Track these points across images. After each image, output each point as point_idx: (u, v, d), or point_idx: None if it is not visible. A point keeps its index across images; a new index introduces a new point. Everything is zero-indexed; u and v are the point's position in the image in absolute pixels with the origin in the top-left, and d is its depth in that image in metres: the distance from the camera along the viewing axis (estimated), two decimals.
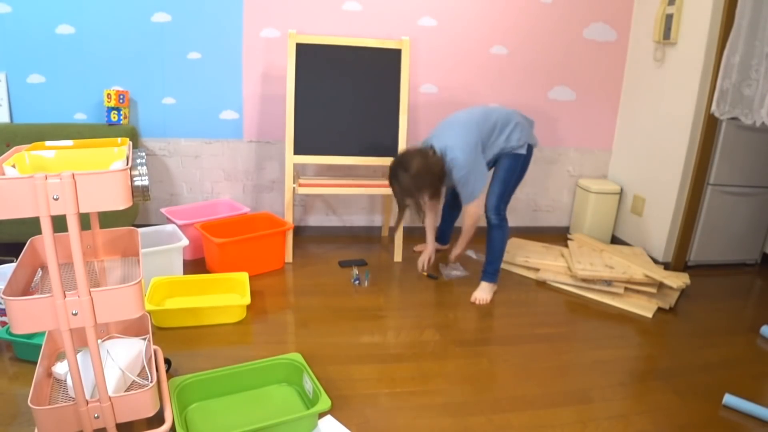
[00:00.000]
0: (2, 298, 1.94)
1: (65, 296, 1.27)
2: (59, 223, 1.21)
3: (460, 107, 3.31)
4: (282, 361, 1.89)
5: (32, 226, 1.36)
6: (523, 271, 3.03)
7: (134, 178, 1.33)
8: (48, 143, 1.56)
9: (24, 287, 1.46)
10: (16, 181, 1.16)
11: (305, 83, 2.92)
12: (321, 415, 1.73)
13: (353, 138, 3.00)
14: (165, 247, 2.56)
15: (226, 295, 2.53)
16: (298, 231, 3.45)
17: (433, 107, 3.37)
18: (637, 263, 2.88)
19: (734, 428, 1.80)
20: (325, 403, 1.67)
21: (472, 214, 2.62)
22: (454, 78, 3.35)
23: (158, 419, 1.55)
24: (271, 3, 3.06)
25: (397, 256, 3.12)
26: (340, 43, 2.94)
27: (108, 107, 2.92)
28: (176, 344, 2.13)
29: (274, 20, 3.09)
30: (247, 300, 2.35)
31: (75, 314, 1.29)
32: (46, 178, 1.17)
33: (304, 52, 2.90)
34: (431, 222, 2.90)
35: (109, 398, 1.40)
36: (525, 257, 3.08)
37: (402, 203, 2.56)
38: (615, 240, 3.59)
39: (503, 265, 2.98)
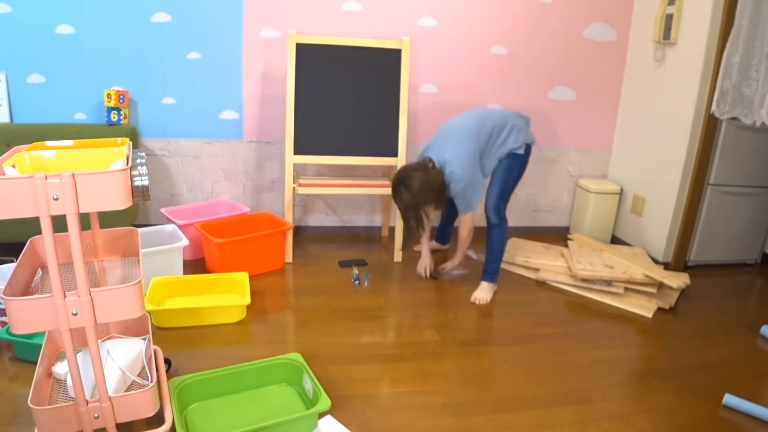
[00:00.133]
0: (2, 298, 1.94)
1: (65, 296, 1.27)
2: (59, 223, 1.21)
3: (460, 107, 3.33)
4: (282, 361, 1.89)
5: (32, 226, 1.36)
6: (523, 271, 3.03)
7: (134, 178, 1.33)
8: (48, 143, 1.56)
9: (24, 287, 1.46)
10: (16, 181, 1.16)
11: (305, 83, 2.92)
12: (321, 415, 1.73)
13: (353, 138, 3.00)
14: (165, 247, 2.56)
15: (226, 295, 2.53)
16: (298, 231, 3.45)
17: (433, 107, 3.37)
18: (637, 263, 2.88)
19: (734, 428, 1.80)
20: (325, 403, 1.67)
21: (469, 224, 2.66)
22: (454, 78, 3.35)
23: (158, 419, 1.55)
24: (271, 3, 3.06)
25: (397, 256, 3.12)
26: (340, 43, 2.94)
27: (108, 107, 2.92)
28: (176, 344, 2.13)
29: (274, 20, 3.09)
30: (247, 300, 2.35)
31: (75, 314, 1.29)
32: (46, 178, 1.17)
33: (304, 52, 2.90)
34: (426, 229, 2.91)
35: (109, 398, 1.40)
36: (525, 257, 3.08)
37: (406, 218, 2.59)
38: (615, 240, 3.59)
39: (503, 265, 2.99)
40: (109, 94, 2.91)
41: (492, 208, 2.64)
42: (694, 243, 3.16)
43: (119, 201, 1.25)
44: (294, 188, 2.94)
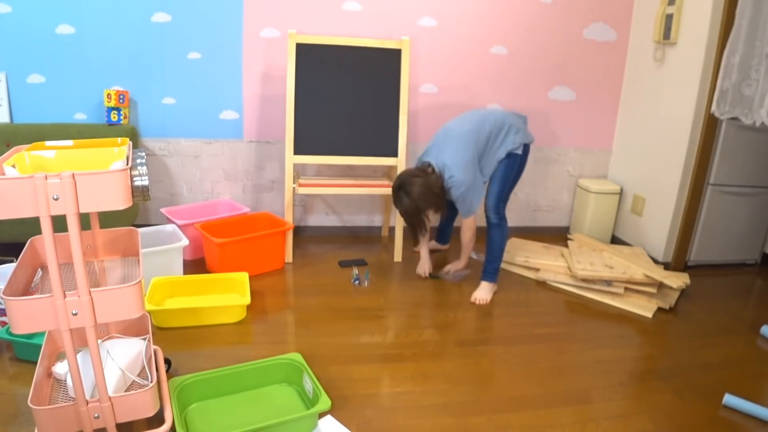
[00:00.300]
0: (2, 298, 1.94)
1: (65, 296, 1.27)
2: (59, 223, 1.21)
3: (460, 107, 3.33)
4: (282, 361, 1.89)
5: (32, 226, 1.36)
6: (523, 271, 3.03)
7: (134, 178, 1.33)
8: (48, 143, 1.56)
9: (24, 287, 1.46)
10: (16, 181, 1.16)
11: (305, 83, 2.92)
12: (321, 415, 1.73)
13: (353, 138, 3.00)
14: (165, 247, 2.56)
15: (226, 295, 2.53)
16: (298, 231, 3.45)
17: (433, 107, 3.38)
18: (637, 263, 2.88)
19: (734, 428, 1.80)
20: (325, 403, 1.67)
21: (472, 227, 2.67)
22: (454, 78, 3.35)
23: (158, 419, 1.55)
24: (271, 3, 3.06)
25: (397, 256, 3.12)
26: (340, 43, 2.94)
27: (108, 107, 2.92)
28: (176, 344, 2.13)
29: (274, 20, 3.09)
30: (247, 300, 2.35)
31: (75, 314, 1.29)
32: (46, 178, 1.17)
33: (304, 52, 2.90)
34: (425, 236, 2.92)
35: (109, 398, 1.40)
36: (525, 257, 3.08)
37: (408, 223, 2.59)
38: (615, 240, 3.59)
39: (503, 265, 2.99)
40: (109, 94, 2.91)
41: (492, 207, 2.65)
42: (694, 243, 3.16)
43: (119, 201, 1.25)
44: (294, 188, 2.94)
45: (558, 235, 3.67)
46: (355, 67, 2.97)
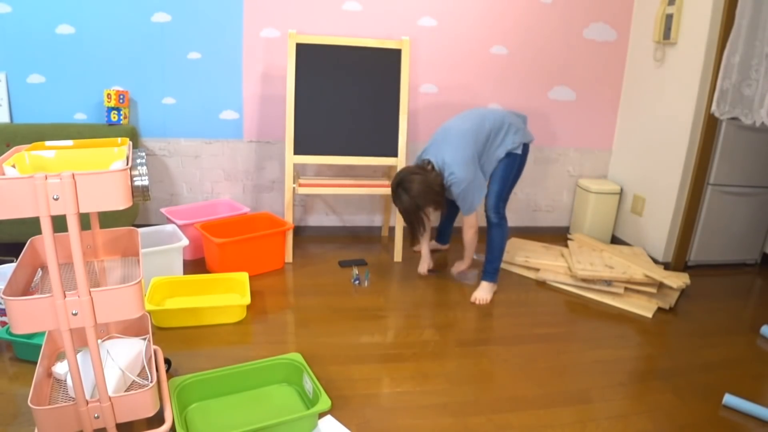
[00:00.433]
0: (2, 298, 1.94)
1: (65, 296, 1.27)
2: (59, 223, 1.21)
3: (460, 107, 3.33)
4: (282, 361, 1.89)
5: (32, 226, 1.36)
6: (523, 271, 3.03)
7: (134, 178, 1.33)
8: (48, 143, 1.56)
9: (24, 287, 1.46)
10: (16, 181, 1.16)
11: (305, 83, 2.92)
12: (321, 415, 1.73)
13: (353, 138, 3.00)
14: (165, 247, 2.56)
15: (226, 295, 2.53)
16: (298, 231, 3.45)
17: (433, 107, 3.37)
18: (637, 263, 2.88)
19: (734, 428, 1.80)
20: (325, 403, 1.67)
21: (473, 225, 2.65)
22: (454, 78, 3.35)
23: (158, 419, 1.55)
24: (271, 3, 3.06)
25: (397, 256, 3.12)
26: (340, 43, 2.94)
27: (108, 107, 2.92)
28: (176, 344, 2.13)
29: (274, 20, 3.09)
30: (247, 300, 2.35)
31: (75, 314, 1.29)
32: (46, 178, 1.17)
33: (304, 52, 2.90)
34: (426, 233, 2.92)
35: (109, 398, 1.40)
36: (525, 257, 3.08)
37: (407, 221, 2.58)
38: (615, 240, 3.59)
39: (503, 265, 2.99)
40: (109, 94, 2.91)
41: (492, 207, 2.65)
42: (694, 243, 3.16)
43: (119, 201, 1.25)
44: (294, 188, 2.94)
45: (558, 235, 3.67)
46: (355, 67, 2.97)
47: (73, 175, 1.19)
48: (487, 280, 2.70)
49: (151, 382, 1.49)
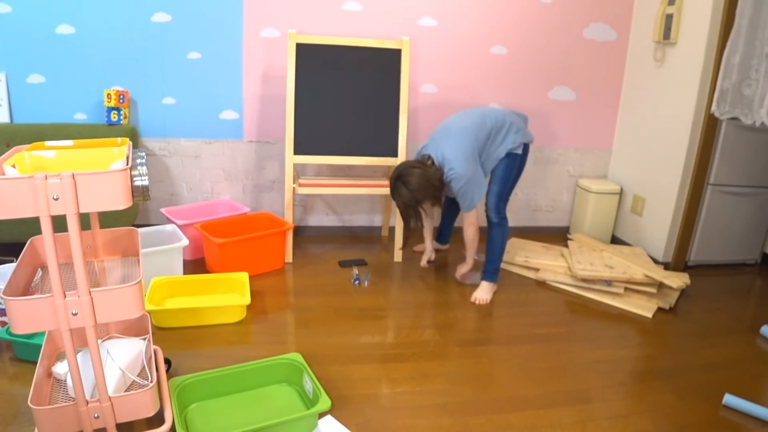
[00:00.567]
0: (2, 298, 1.94)
1: (65, 296, 1.27)
2: (59, 223, 1.21)
3: (460, 107, 3.32)
4: (282, 361, 1.89)
5: (32, 226, 1.36)
6: (523, 271, 3.03)
7: (134, 178, 1.33)
8: (48, 143, 1.56)
9: (24, 287, 1.46)
10: (16, 181, 1.16)
11: (305, 83, 2.92)
12: (321, 415, 1.73)
13: (353, 138, 3.00)
14: (165, 247, 2.56)
15: (226, 295, 2.53)
16: (298, 231, 3.45)
17: (433, 107, 3.37)
18: (637, 263, 2.88)
19: (734, 428, 1.80)
20: (325, 403, 1.67)
21: (474, 222, 2.63)
22: (454, 78, 3.35)
23: (158, 419, 1.55)
24: (271, 3, 3.06)
25: (397, 256, 3.12)
26: (340, 43, 2.94)
27: (108, 107, 2.93)
28: (176, 344, 2.13)
29: (274, 20, 3.09)
30: (247, 300, 2.35)
31: (75, 314, 1.29)
32: (46, 178, 1.17)
33: (304, 52, 2.90)
34: (429, 225, 2.94)
35: (109, 398, 1.40)
36: (525, 257, 3.08)
37: (405, 215, 2.58)
38: (615, 240, 3.59)
39: (503, 265, 2.99)
40: (109, 94, 2.91)
41: (492, 207, 2.64)
42: (694, 243, 3.16)
43: (119, 201, 1.25)
44: (294, 188, 2.94)
45: (558, 235, 3.67)
46: (355, 67, 2.97)
47: (73, 175, 1.19)
48: (487, 280, 2.70)
49: (151, 382, 1.49)
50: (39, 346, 1.76)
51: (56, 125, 2.87)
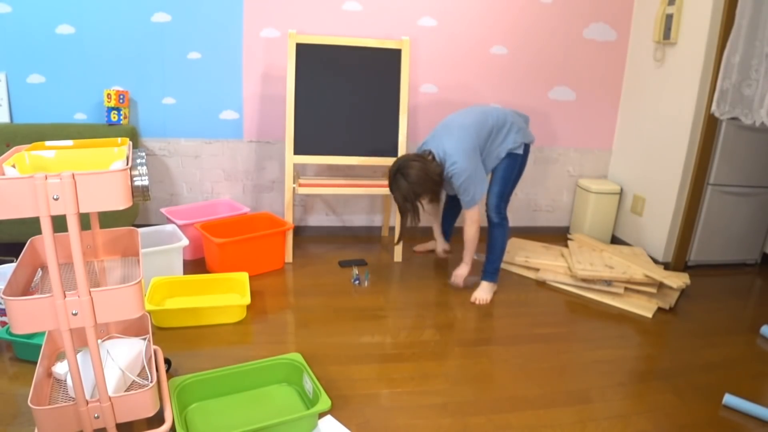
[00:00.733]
0: (2, 298, 1.94)
1: (65, 296, 1.27)
2: (59, 223, 1.21)
3: (460, 107, 3.31)
4: (282, 361, 1.89)
5: (32, 226, 1.36)
6: (523, 271, 3.03)
7: (134, 178, 1.33)
8: (48, 143, 1.56)
9: (24, 287, 1.46)
10: (16, 181, 1.16)
11: (305, 83, 2.92)
12: (321, 415, 1.73)
13: (353, 138, 3.00)
14: (165, 247, 2.56)
15: (226, 295, 2.53)
16: (298, 231, 3.45)
17: (433, 107, 3.37)
18: (637, 263, 2.88)
19: (734, 428, 1.80)
20: (325, 403, 1.67)
21: (476, 220, 2.62)
22: (454, 78, 3.35)
23: (158, 419, 1.55)
24: (271, 3, 3.06)
25: (397, 256, 3.12)
26: (340, 43, 2.94)
27: (108, 107, 2.93)
28: (176, 344, 2.13)
29: (274, 20, 3.09)
30: (247, 300, 2.35)
31: (75, 314, 1.29)
32: (46, 178, 1.17)
33: (304, 52, 2.90)
34: (437, 218, 3.04)
35: (109, 398, 1.40)
36: (525, 257, 3.08)
37: (403, 209, 2.57)
38: (615, 240, 3.59)
39: (503, 265, 2.99)
40: (109, 94, 2.91)
41: (493, 207, 2.64)
42: (694, 243, 3.16)
43: (119, 201, 1.25)
44: (294, 188, 2.94)
45: (558, 235, 3.67)
46: (355, 67, 2.97)
47: (73, 175, 1.19)
48: (488, 280, 2.70)
49: (151, 382, 1.49)
50: (39, 346, 1.76)
51: (56, 125, 2.87)
